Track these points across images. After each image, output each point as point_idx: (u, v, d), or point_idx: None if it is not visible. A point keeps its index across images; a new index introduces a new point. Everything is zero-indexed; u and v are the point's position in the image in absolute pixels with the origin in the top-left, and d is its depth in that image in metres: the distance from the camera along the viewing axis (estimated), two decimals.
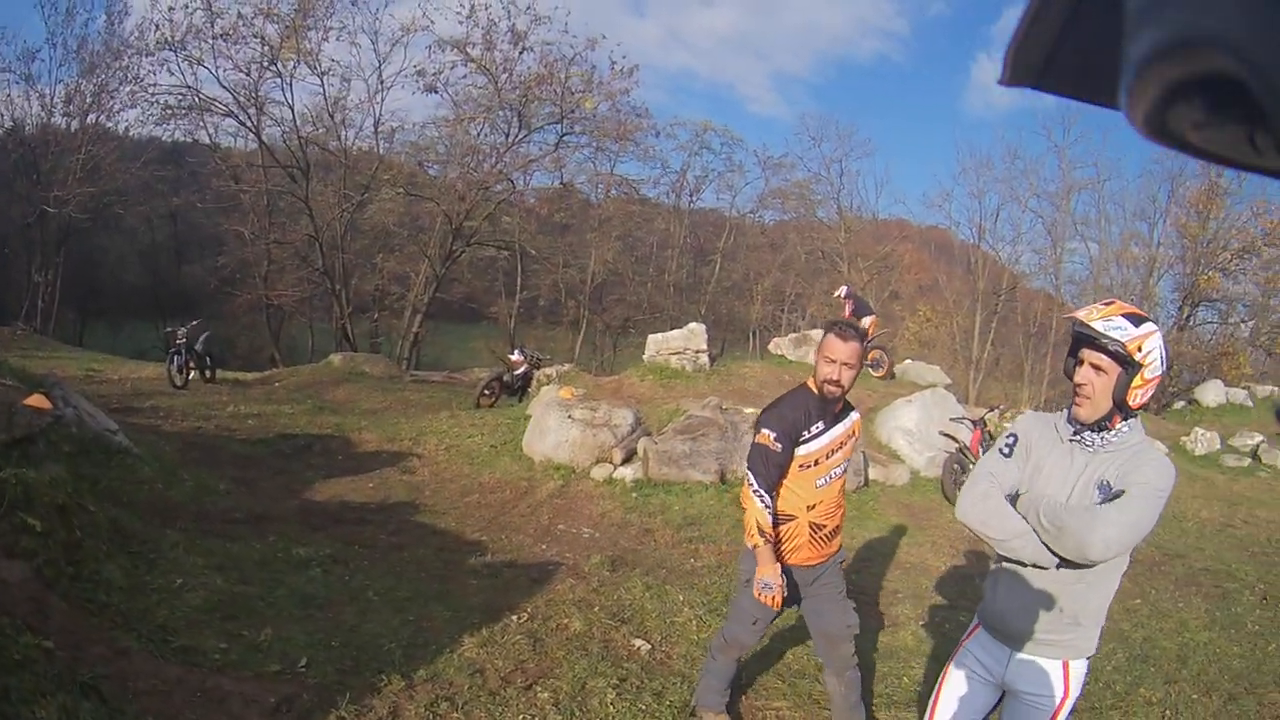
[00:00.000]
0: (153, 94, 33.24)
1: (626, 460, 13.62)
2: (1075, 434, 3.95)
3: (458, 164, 37.21)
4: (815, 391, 5.41)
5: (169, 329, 20.42)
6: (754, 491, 5.34)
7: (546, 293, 47.07)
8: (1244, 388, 29.14)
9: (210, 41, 31.36)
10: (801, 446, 5.38)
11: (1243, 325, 43.33)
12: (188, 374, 19.54)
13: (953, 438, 15.75)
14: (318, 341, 42.40)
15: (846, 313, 23.20)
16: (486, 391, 19.64)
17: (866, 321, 22.97)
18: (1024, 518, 3.85)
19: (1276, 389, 29.89)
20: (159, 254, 50.51)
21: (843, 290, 24.54)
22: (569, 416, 14.04)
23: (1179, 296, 43.77)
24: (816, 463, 5.44)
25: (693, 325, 20.53)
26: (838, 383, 5.28)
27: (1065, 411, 4.09)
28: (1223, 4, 0.60)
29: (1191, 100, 0.65)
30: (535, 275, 45.82)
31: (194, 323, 20.56)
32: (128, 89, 36.00)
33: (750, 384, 19.34)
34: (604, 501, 12.39)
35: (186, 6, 30.70)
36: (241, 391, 19.87)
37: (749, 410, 15.02)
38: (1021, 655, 4.04)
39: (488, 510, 11.88)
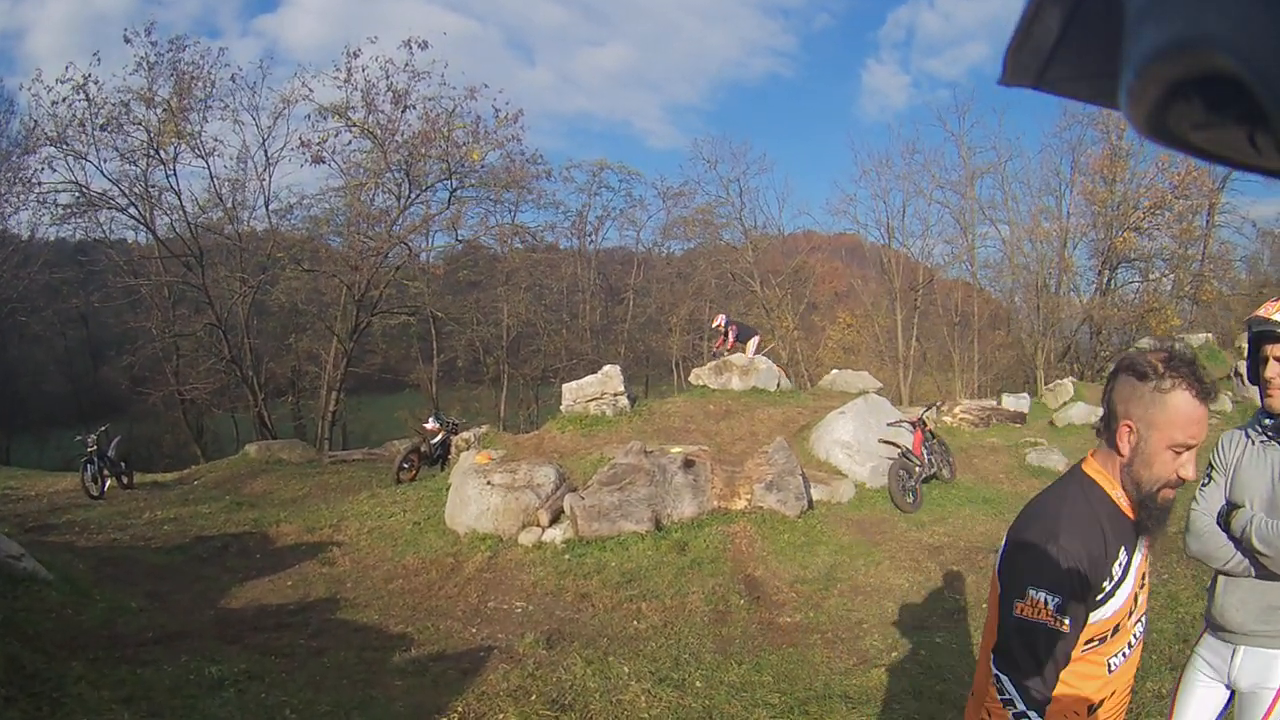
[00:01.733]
0: (40, 193, 33.08)
1: (554, 520, 13.15)
2: (1267, 433, 4.13)
3: (354, 233, 36.95)
4: (1116, 498, 3.01)
5: (78, 437, 19.82)
6: (1015, 714, 2.84)
7: (464, 353, 46.62)
8: (1178, 339, 29.17)
9: (93, 134, 31.23)
10: (1101, 608, 2.97)
11: (1164, 280, 44.40)
12: (103, 482, 18.80)
13: (894, 444, 15.68)
14: (242, 431, 41.67)
15: (730, 341, 23.20)
16: (405, 465, 19.17)
17: (754, 343, 23.07)
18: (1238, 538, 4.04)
19: (1210, 335, 30.41)
20: (74, 359, 49.58)
21: (721, 319, 24.74)
22: (488, 482, 13.56)
23: (1097, 263, 44.76)
24: (1117, 629, 3.04)
25: (607, 368, 20.27)
26: (1178, 483, 2.96)
27: (1254, 418, 4.24)
28: (1222, 4, 0.60)
29: (1191, 100, 0.66)
30: (450, 337, 45.21)
31: (103, 428, 20.04)
32: (17, 190, 35.31)
33: (675, 420, 19.00)
34: (535, 569, 11.92)
35: (66, 100, 30.55)
36: (160, 494, 19.25)
37: (676, 449, 14.78)
38: (1244, 649, 4.11)
39: (413, 596, 11.37)
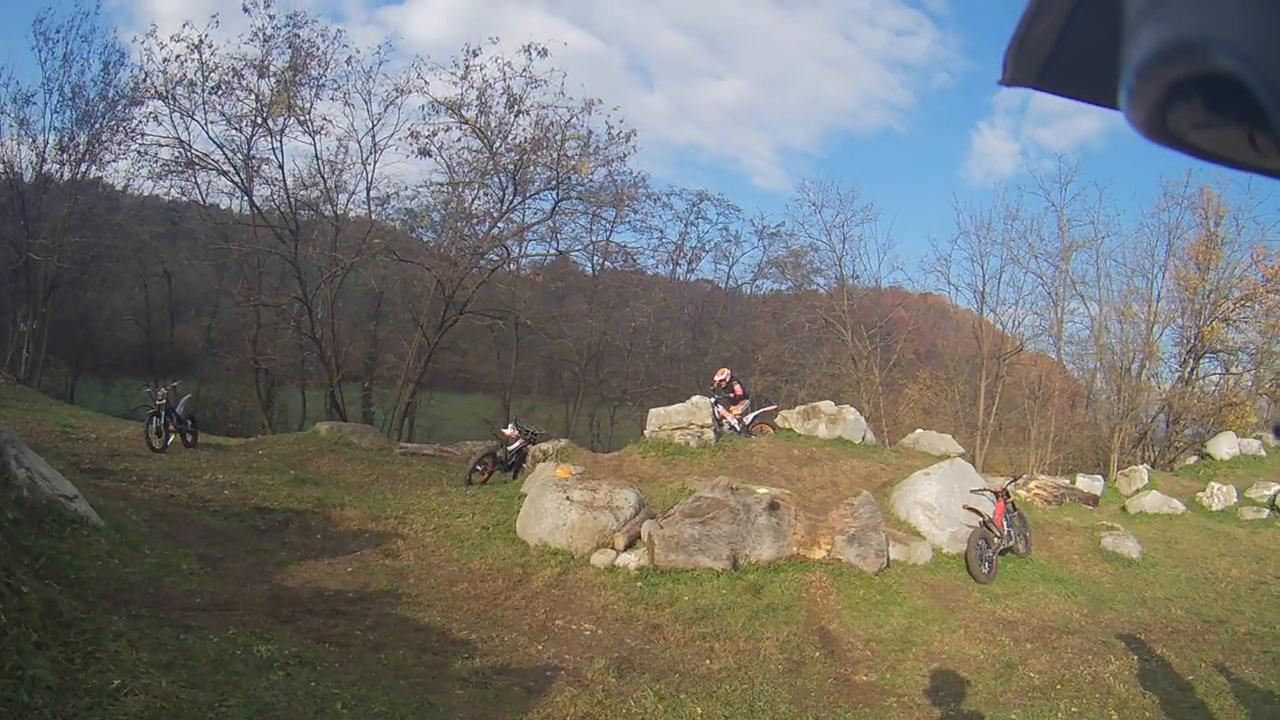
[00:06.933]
0: (142, 144, 33.49)
1: (630, 545, 12.85)
2: None
3: (451, 229, 37.02)
4: None
5: (147, 388, 19.66)
6: None
7: (542, 363, 46.60)
8: (1256, 437, 29.35)
9: (202, 94, 31.49)
10: None
11: (1245, 375, 43.45)
12: (167, 437, 18.83)
13: (977, 511, 15.39)
14: (310, 408, 41.82)
15: (737, 390, 22.56)
16: (479, 468, 18.85)
17: (743, 406, 22.59)
18: None
19: None
20: (153, 312, 49.75)
21: (726, 374, 23.70)
22: (567, 498, 13.31)
23: (1182, 350, 43.82)
24: None
25: (696, 399, 19.99)
26: None
27: None
28: (1223, 5, 0.62)
29: (1191, 100, 0.68)
30: (531, 345, 45.17)
31: (174, 384, 20.31)
32: (119, 139, 36.05)
33: (759, 460, 18.63)
34: (606, 592, 11.61)
35: (179, 58, 30.73)
36: (222, 457, 19.08)
37: (761, 490, 14.41)
38: None
39: (478, 602, 11.00)
